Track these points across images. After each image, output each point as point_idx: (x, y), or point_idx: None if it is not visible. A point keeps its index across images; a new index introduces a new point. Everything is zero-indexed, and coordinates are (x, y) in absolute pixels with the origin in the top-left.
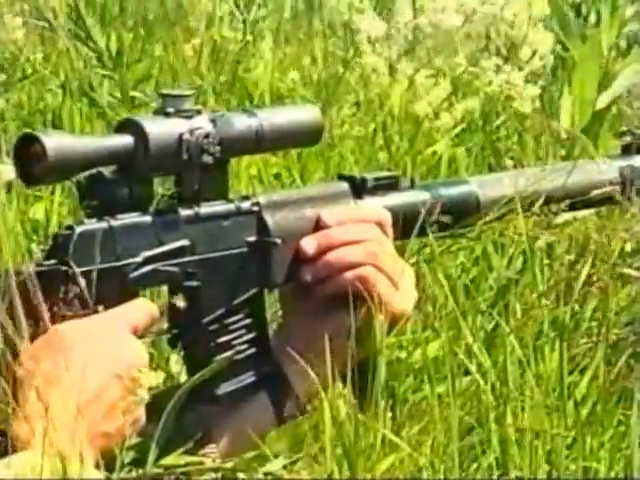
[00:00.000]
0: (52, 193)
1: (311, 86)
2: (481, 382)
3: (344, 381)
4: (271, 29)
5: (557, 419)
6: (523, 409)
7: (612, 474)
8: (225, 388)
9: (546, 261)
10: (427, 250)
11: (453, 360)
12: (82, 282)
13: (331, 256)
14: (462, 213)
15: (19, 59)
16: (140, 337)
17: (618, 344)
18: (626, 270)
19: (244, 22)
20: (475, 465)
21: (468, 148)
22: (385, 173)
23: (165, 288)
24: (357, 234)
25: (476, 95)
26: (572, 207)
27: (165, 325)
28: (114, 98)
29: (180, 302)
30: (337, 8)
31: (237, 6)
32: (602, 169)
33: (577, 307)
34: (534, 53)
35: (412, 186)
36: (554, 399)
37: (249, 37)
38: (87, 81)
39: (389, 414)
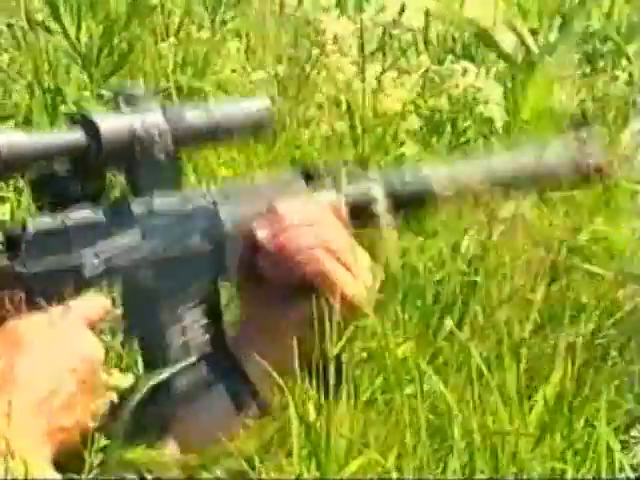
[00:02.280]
0: (20, 194)
1: (277, 85)
2: (442, 387)
3: (309, 375)
4: (238, 29)
5: (520, 420)
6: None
7: (580, 475)
8: (182, 383)
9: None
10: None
11: (420, 362)
12: (35, 279)
13: (283, 238)
14: (417, 202)
15: None
16: (95, 330)
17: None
18: (577, 263)
19: (212, 22)
20: (442, 466)
21: (435, 149)
22: (340, 161)
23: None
24: (310, 218)
25: (442, 95)
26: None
27: (120, 320)
28: (82, 95)
29: (116, 310)
30: (302, 7)
31: (205, 7)
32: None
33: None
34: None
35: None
36: (516, 400)
37: (217, 38)
38: (56, 76)
39: (358, 415)
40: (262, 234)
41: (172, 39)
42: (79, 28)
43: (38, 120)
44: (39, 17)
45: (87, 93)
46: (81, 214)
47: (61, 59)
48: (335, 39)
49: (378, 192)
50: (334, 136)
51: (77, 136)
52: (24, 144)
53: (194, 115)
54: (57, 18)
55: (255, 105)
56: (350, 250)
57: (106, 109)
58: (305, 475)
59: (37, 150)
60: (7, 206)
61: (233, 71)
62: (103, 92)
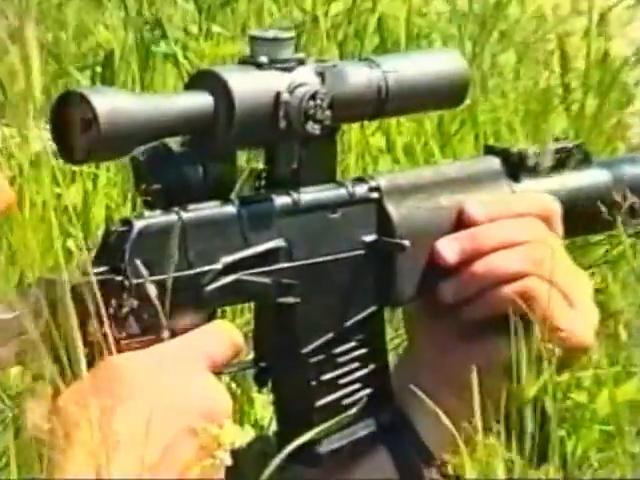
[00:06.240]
0: (96, 169)
1: (458, 20)
2: None
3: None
4: None
5: None
6: None
7: None
8: (330, 444)
9: None
10: (614, 252)
11: None
12: (141, 294)
13: (481, 265)
14: None
15: None
16: (218, 373)
17: None
18: None
19: None
20: None
21: None
22: (551, 145)
23: (251, 306)
24: (516, 233)
25: None
26: None
27: (250, 356)
28: (188, 30)
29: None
30: None
31: None
32: None
33: None
34: None
35: (588, 163)
36: None
37: None
38: (155, 6)
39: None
40: (450, 254)
41: None
42: None
43: (125, 64)
44: None
45: (194, 28)
46: (204, 210)
47: None
48: None
49: (605, 186)
50: (534, 91)
51: (201, 100)
52: (131, 111)
53: (360, 76)
54: None
55: (443, 63)
56: (567, 271)
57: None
58: None
59: (148, 121)
60: (80, 187)
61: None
62: (215, 28)
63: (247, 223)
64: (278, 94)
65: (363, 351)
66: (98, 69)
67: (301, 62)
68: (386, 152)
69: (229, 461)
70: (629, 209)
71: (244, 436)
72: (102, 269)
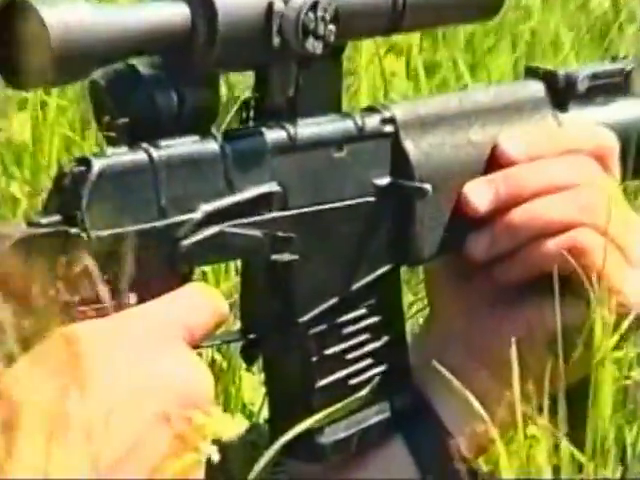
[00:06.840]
0: (46, 95)
1: None
2: None
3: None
4: None
5: None
6: None
7: None
8: (334, 434)
9: None
10: None
11: None
12: (102, 249)
13: (519, 214)
14: None
15: None
16: (197, 347)
17: None
18: None
19: None
20: None
21: None
22: (608, 66)
23: (238, 264)
24: (563, 175)
25: None
26: None
27: (236, 326)
28: None
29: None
30: None
31: None
32: None
33: None
34: None
35: None
36: None
37: None
38: None
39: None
40: (481, 200)
41: None
42: None
43: None
44: None
45: None
46: (179, 147)
47: None
48: None
49: None
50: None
51: (176, 13)
52: (89, 25)
53: None
54: None
55: None
56: (624, 222)
57: None
58: None
59: (110, 36)
60: (27, 117)
61: None
62: None
63: (233, 163)
64: (270, 4)
65: (375, 320)
66: None
67: None
68: (403, 75)
69: (216, 456)
70: None
71: (236, 427)
72: (54, 219)
